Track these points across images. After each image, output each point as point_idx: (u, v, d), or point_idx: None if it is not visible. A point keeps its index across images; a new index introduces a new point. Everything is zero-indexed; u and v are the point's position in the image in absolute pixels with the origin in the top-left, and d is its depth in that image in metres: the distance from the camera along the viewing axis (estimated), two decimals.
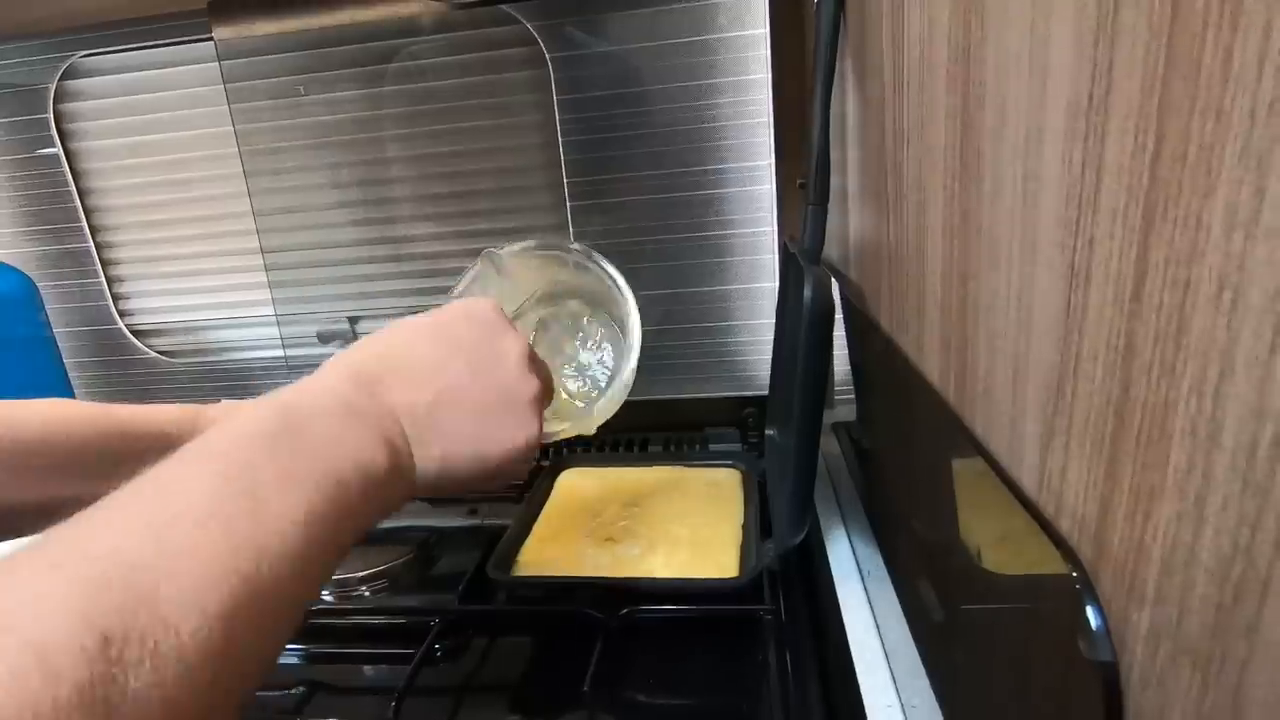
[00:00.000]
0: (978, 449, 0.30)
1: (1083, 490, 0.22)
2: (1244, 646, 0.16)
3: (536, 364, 0.40)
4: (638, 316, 0.54)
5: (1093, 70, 0.20)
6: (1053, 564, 0.23)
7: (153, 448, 0.43)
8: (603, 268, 0.55)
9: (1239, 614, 0.16)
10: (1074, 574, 0.22)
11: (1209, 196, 0.16)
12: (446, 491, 0.36)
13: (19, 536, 0.40)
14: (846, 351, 0.62)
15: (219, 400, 0.49)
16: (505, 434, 0.37)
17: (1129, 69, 0.18)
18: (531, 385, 0.39)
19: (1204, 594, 0.17)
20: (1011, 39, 0.25)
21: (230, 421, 0.28)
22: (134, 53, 0.78)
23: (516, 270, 0.55)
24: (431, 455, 0.35)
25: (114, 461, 0.41)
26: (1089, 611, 0.21)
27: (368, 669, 0.53)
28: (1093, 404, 0.21)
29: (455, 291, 0.53)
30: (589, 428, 0.54)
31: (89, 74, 0.80)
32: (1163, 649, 0.19)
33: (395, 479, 0.32)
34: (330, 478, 0.28)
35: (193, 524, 0.23)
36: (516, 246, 0.55)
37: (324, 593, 0.58)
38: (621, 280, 0.54)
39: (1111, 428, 0.20)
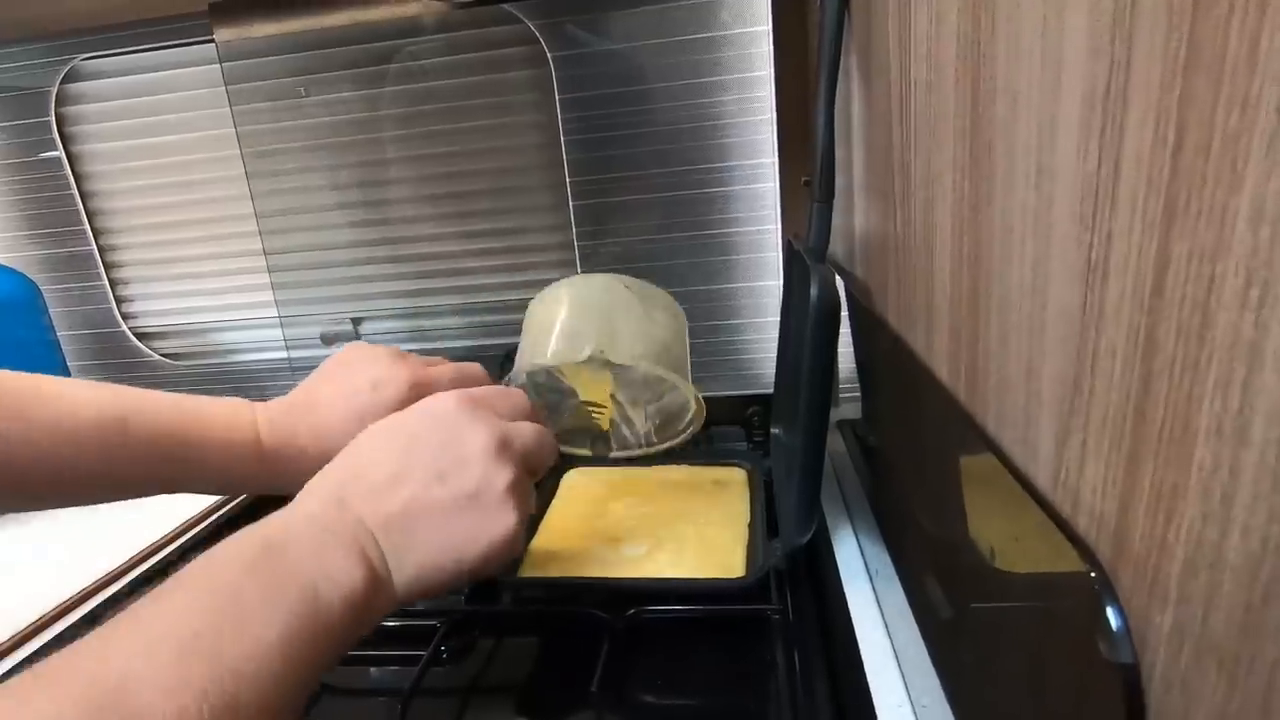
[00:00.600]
0: (989, 446, 0.30)
1: (1101, 488, 0.22)
2: (1274, 648, 0.15)
3: (509, 451, 0.38)
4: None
5: (1110, 61, 0.19)
6: (1069, 562, 0.23)
7: (181, 444, 0.43)
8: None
9: (1269, 614, 0.15)
10: (1092, 573, 0.22)
11: (1235, 189, 0.15)
12: (431, 595, 0.37)
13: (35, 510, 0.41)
14: (851, 349, 0.62)
15: None
16: (481, 532, 0.37)
17: (1148, 59, 0.18)
18: (503, 475, 0.37)
19: (1231, 593, 0.16)
20: (1024, 32, 0.24)
21: (219, 547, 0.31)
22: (136, 55, 0.78)
23: None
24: (407, 565, 0.35)
25: (127, 460, 0.41)
26: (1109, 611, 0.21)
27: (374, 671, 0.53)
28: (1111, 400, 0.21)
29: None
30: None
31: (91, 77, 0.80)
32: (1187, 650, 0.18)
33: (374, 593, 0.33)
34: (307, 596, 0.30)
35: (180, 643, 0.26)
36: None
37: None
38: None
39: (1132, 424, 0.20)
